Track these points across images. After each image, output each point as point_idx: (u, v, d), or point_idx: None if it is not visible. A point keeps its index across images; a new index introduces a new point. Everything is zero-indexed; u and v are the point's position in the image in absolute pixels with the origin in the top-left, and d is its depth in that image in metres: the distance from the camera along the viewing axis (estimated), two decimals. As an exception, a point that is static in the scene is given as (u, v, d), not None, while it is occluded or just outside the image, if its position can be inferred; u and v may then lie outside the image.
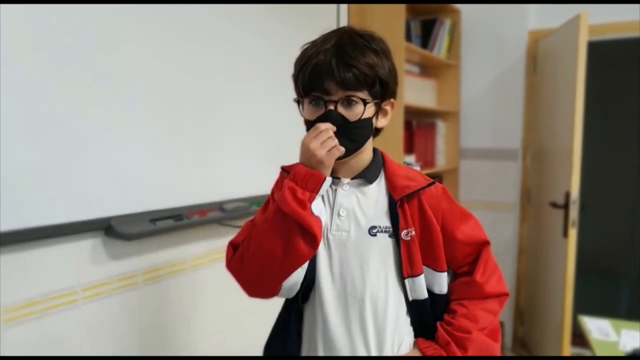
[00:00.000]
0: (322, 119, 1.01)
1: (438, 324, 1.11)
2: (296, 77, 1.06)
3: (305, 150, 0.98)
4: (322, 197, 1.10)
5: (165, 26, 1.58)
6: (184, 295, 1.77)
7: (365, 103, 1.02)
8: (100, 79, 1.40)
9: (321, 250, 1.08)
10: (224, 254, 1.91)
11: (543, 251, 3.14)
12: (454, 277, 1.17)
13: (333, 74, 0.98)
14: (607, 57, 3.91)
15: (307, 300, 1.11)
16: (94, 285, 1.45)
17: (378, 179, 1.11)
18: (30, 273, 1.29)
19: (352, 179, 1.10)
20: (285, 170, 1.17)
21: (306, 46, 1.06)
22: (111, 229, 1.43)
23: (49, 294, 1.34)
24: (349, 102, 1.01)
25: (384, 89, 1.05)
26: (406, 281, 1.08)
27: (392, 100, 1.10)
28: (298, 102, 1.08)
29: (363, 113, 1.02)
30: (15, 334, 1.26)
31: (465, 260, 1.14)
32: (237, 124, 1.89)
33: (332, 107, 1.00)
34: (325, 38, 1.04)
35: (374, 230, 1.07)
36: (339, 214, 1.08)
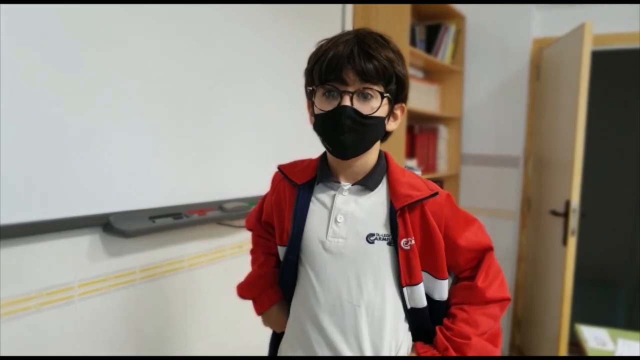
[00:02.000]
0: (336, 113, 0.98)
1: (437, 328, 1.09)
2: (311, 69, 1.03)
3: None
4: (320, 202, 1.10)
5: (167, 24, 1.58)
6: (181, 294, 1.76)
7: (382, 96, 1.00)
8: (100, 76, 1.40)
9: (318, 256, 1.07)
10: (222, 254, 1.92)
11: (542, 259, 3.13)
12: (455, 281, 1.15)
13: (354, 62, 0.96)
14: (610, 67, 3.92)
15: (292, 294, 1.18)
16: (91, 282, 1.45)
17: (380, 185, 1.09)
18: (27, 268, 1.29)
19: (353, 184, 1.08)
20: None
21: (322, 42, 1.04)
22: (109, 226, 1.43)
23: (46, 289, 1.34)
24: (364, 96, 0.99)
25: (399, 88, 1.04)
26: (404, 290, 1.06)
27: (403, 104, 1.08)
28: (310, 92, 1.04)
29: (379, 107, 1.00)
30: (11, 329, 1.26)
31: (468, 265, 1.12)
32: (239, 123, 1.89)
33: (347, 102, 0.97)
34: (343, 34, 1.03)
35: (372, 238, 1.05)
36: (336, 220, 1.06)
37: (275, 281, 1.25)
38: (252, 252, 1.34)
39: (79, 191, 1.36)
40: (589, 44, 2.53)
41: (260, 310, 1.26)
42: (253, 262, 1.32)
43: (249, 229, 1.36)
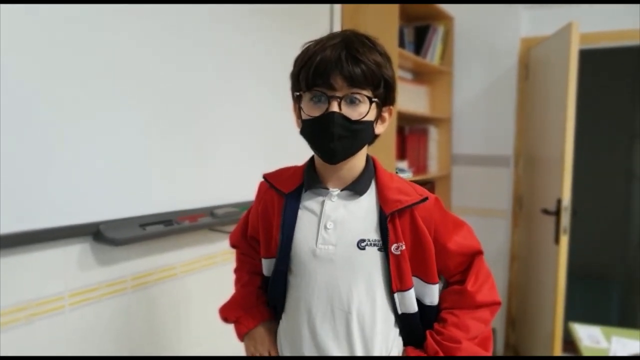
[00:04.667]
0: (324, 120, 0.97)
1: (428, 332, 1.09)
2: (297, 73, 1.02)
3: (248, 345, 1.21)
4: (309, 209, 1.09)
5: (157, 30, 1.57)
6: (173, 302, 1.75)
7: (371, 101, 0.99)
8: (91, 82, 1.39)
9: (308, 264, 1.06)
10: (214, 261, 1.91)
11: (534, 258, 3.14)
12: (445, 285, 1.15)
13: (341, 67, 0.95)
14: (598, 65, 3.95)
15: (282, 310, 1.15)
16: (82, 291, 1.43)
17: (368, 190, 1.08)
18: (17, 278, 1.27)
19: (341, 190, 1.07)
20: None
21: (309, 44, 1.03)
22: (100, 234, 1.41)
23: (36, 300, 1.32)
24: (352, 101, 0.98)
25: (387, 91, 1.03)
26: (395, 295, 1.06)
27: (391, 107, 1.08)
28: (298, 98, 1.03)
29: (367, 113, 0.99)
30: (1, 341, 1.24)
31: (458, 269, 1.12)
32: (229, 128, 1.88)
33: (335, 108, 0.96)
34: (330, 36, 1.02)
35: (363, 244, 1.04)
36: (325, 227, 1.05)
37: (260, 301, 1.22)
38: (236, 271, 1.31)
39: (68, 200, 1.34)
40: (576, 43, 2.55)
41: (244, 330, 1.19)
42: (237, 281, 1.29)
43: (233, 246, 1.33)
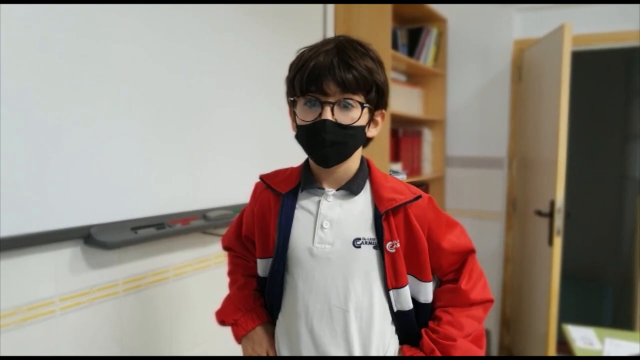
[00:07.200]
0: (317, 126, 0.99)
1: (423, 330, 1.10)
2: (292, 78, 1.04)
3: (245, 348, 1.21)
4: (305, 209, 1.10)
5: (152, 33, 1.56)
6: (166, 306, 1.74)
7: (362, 107, 1.01)
8: (84, 86, 1.38)
9: (305, 263, 1.07)
10: (207, 263, 1.90)
11: (528, 259, 3.15)
12: (439, 284, 1.17)
13: (334, 73, 0.97)
14: (590, 66, 3.97)
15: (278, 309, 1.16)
16: (73, 296, 1.42)
17: (363, 190, 1.10)
18: (6, 283, 1.26)
19: (337, 190, 1.09)
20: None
21: (303, 50, 1.05)
22: (91, 238, 1.40)
23: (26, 305, 1.31)
24: (345, 106, 1.00)
25: (379, 96, 1.05)
26: (391, 293, 1.07)
27: (383, 110, 1.10)
28: (292, 103, 1.06)
29: (359, 118, 1.01)
30: (-10, 346, 1.23)
31: (451, 268, 1.14)
32: (222, 131, 1.87)
33: (327, 114, 0.98)
34: (324, 42, 1.04)
35: (359, 242, 1.06)
36: (322, 226, 1.07)
37: (258, 303, 1.22)
38: (230, 273, 1.31)
39: (59, 203, 1.33)
40: (568, 45, 2.56)
41: (242, 332, 1.20)
42: (232, 284, 1.29)
43: (226, 248, 1.33)
